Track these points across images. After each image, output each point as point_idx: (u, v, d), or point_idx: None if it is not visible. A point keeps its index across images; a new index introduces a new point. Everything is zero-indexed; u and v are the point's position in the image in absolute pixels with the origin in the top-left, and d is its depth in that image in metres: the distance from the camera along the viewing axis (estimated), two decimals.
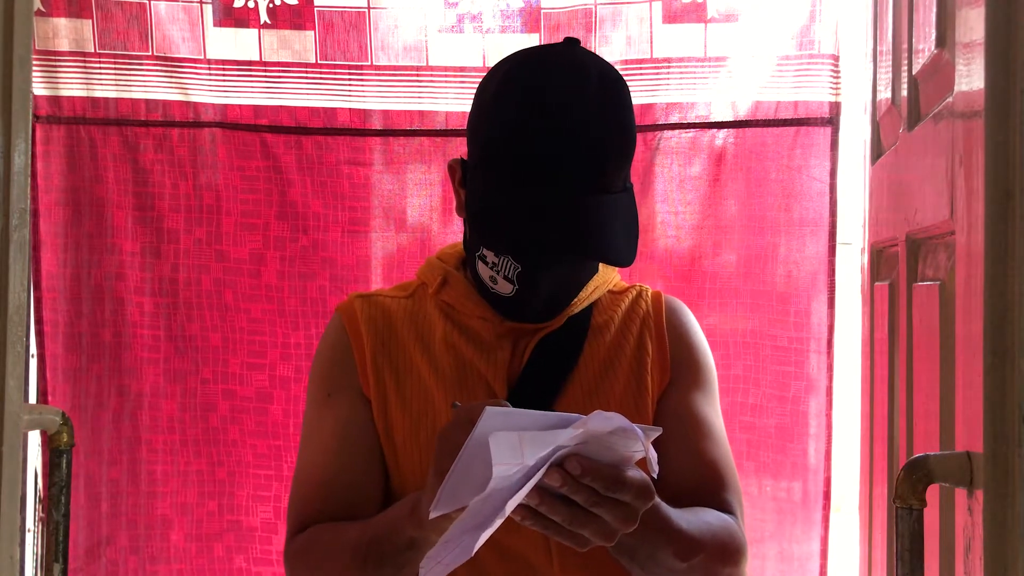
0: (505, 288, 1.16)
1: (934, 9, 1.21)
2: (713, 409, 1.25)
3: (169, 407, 2.34)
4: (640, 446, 0.92)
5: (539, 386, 1.20)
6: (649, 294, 1.30)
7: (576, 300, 1.23)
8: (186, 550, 2.35)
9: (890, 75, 1.55)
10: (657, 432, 0.95)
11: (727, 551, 1.14)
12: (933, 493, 1.01)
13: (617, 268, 1.29)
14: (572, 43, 1.18)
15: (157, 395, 2.34)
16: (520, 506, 0.93)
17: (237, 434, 2.35)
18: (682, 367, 1.24)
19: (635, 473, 0.95)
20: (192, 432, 2.35)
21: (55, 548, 1.06)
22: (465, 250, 1.25)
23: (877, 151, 1.73)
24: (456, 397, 1.19)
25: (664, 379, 1.24)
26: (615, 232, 1.12)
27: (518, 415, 0.91)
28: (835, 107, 2.23)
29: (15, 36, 0.84)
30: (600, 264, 1.27)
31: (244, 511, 2.35)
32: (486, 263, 1.16)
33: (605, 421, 0.89)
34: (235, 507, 2.36)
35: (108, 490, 2.34)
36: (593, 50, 2.28)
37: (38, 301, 2.31)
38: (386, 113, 2.33)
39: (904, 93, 1.43)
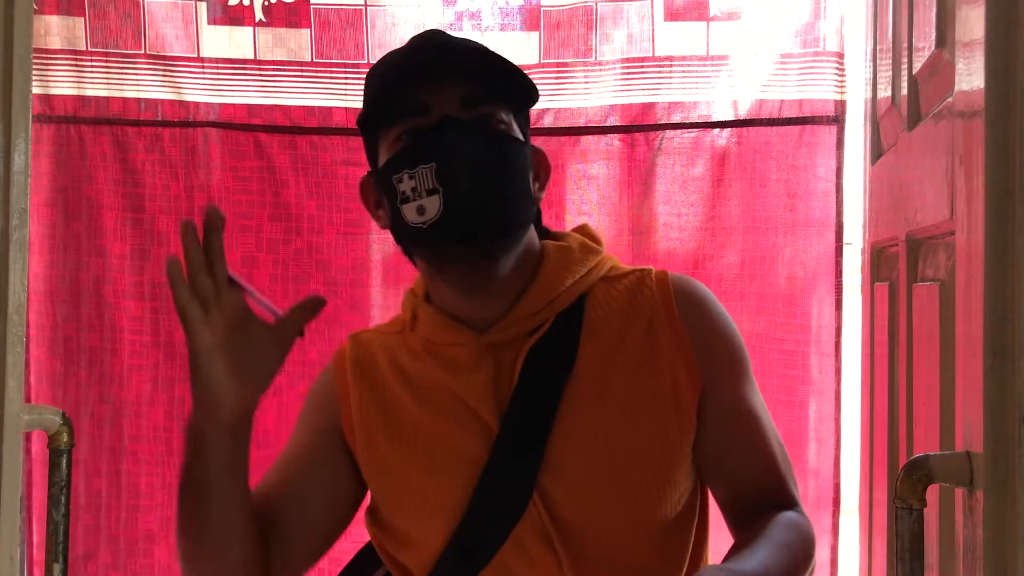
0: (433, 205, 1.07)
1: (934, 8, 1.23)
2: (756, 394, 1.20)
3: (155, 415, 2.33)
4: None
5: (533, 405, 1.13)
6: (654, 276, 1.20)
7: (556, 296, 1.15)
8: (171, 567, 2.34)
9: (890, 74, 1.57)
10: None
11: (807, 557, 1.15)
12: (933, 493, 1.03)
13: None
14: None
15: (143, 403, 2.34)
16: None
17: None
18: (715, 362, 1.16)
19: None
20: (179, 442, 2.32)
21: (55, 548, 1.08)
22: (401, 247, 1.19)
23: (877, 151, 1.75)
24: (446, 435, 1.16)
25: (694, 380, 1.15)
26: (492, 62, 1.12)
27: None
28: (840, 105, 2.24)
29: (15, 36, 0.86)
30: (579, 249, 1.20)
31: None
32: (407, 199, 1.09)
33: None
34: None
35: (90, 502, 2.33)
36: (594, 48, 2.30)
37: None
38: None
39: (904, 93, 1.44)
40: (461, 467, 1.15)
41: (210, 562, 1.13)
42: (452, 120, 1.09)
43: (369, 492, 1.25)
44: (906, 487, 0.97)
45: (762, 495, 1.18)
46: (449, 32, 1.19)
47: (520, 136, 1.15)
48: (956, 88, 1.05)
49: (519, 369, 1.14)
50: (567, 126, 2.29)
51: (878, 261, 1.76)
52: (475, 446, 1.15)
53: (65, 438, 1.11)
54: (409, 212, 1.09)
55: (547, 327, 1.16)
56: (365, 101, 1.17)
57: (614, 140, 2.30)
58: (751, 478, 1.18)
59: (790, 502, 1.20)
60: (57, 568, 1.05)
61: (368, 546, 1.32)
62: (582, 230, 1.26)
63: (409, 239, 1.13)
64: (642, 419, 1.14)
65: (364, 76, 1.23)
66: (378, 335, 1.28)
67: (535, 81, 1.17)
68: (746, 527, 1.14)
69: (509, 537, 1.13)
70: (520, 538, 1.13)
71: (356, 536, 1.31)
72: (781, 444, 1.22)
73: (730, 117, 2.28)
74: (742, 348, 1.21)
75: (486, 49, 1.15)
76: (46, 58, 2.32)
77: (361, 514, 1.27)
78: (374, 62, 1.27)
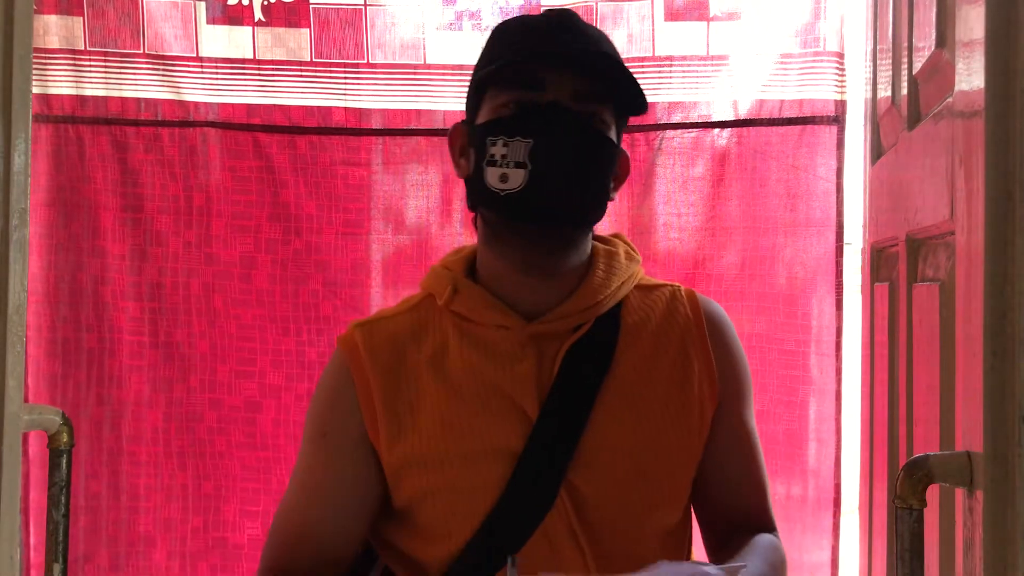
0: (517, 178, 1.11)
1: (934, 8, 1.24)
2: (753, 420, 1.28)
3: (153, 417, 2.33)
4: None
5: (572, 398, 1.15)
6: (684, 295, 1.27)
7: (602, 298, 1.19)
8: (169, 569, 2.34)
9: (890, 74, 1.57)
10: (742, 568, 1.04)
11: None
12: (933, 493, 1.03)
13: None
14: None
15: (141, 404, 2.33)
16: None
17: (224, 446, 2.34)
18: (730, 382, 1.24)
19: None
20: (177, 443, 2.34)
21: (55, 548, 1.08)
22: (470, 201, 1.22)
23: (877, 151, 1.76)
24: (481, 424, 1.16)
25: (712, 397, 1.22)
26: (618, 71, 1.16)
27: None
28: (840, 105, 2.25)
29: (15, 36, 0.86)
30: (624, 256, 1.25)
31: (231, 528, 2.34)
32: (495, 163, 1.13)
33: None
34: (221, 523, 2.34)
35: (88, 504, 2.33)
36: None
37: None
38: (382, 112, 2.35)
39: (904, 93, 1.45)
40: (497, 458, 1.16)
41: None
42: (561, 107, 1.13)
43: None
44: (906, 487, 0.98)
45: (746, 515, 1.24)
46: (575, 20, 1.21)
47: (614, 139, 1.19)
48: (956, 88, 1.06)
49: (559, 363, 1.17)
50: None
51: (878, 261, 1.76)
52: (512, 437, 1.16)
53: (65, 438, 1.11)
54: (492, 175, 1.13)
55: (588, 326, 1.19)
56: (486, 57, 1.20)
57: None
58: (740, 497, 1.24)
59: (769, 525, 1.26)
60: (57, 568, 1.05)
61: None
62: (620, 238, 1.31)
63: (483, 199, 1.17)
64: (671, 427, 1.19)
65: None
66: (390, 318, 1.25)
67: None
68: (731, 543, 1.19)
69: (537, 532, 1.15)
70: (547, 532, 1.15)
71: None
72: (765, 471, 1.29)
73: (730, 117, 2.29)
74: (749, 374, 1.28)
75: (612, 51, 1.20)
76: (44, 58, 2.33)
77: None
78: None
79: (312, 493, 1.20)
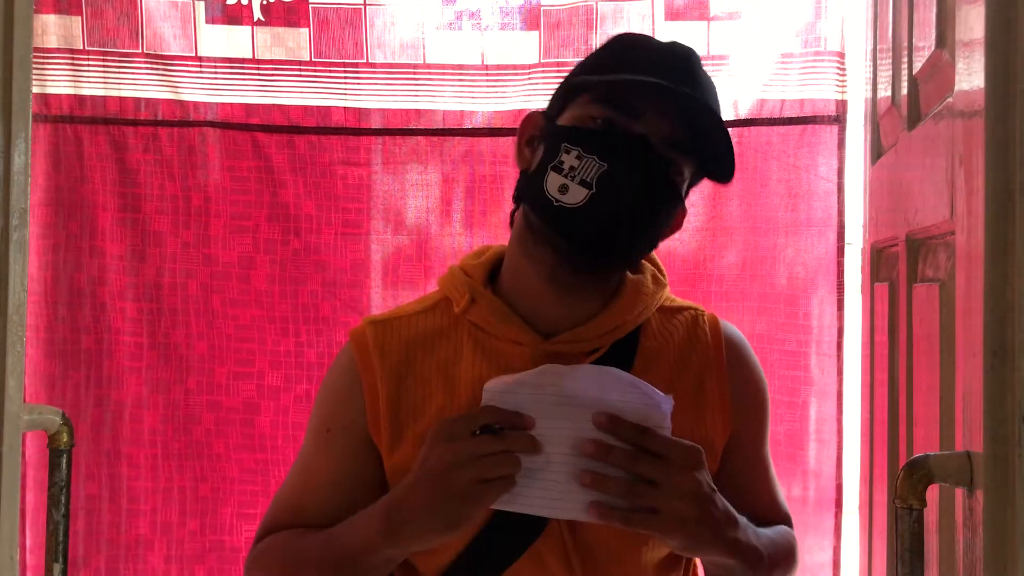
0: (577, 196, 1.08)
1: (934, 8, 1.24)
2: (768, 444, 1.28)
3: (151, 419, 2.34)
4: (667, 422, 1.05)
5: None
6: (707, 320, 1.24)
7: (622, 322, 1.17)
8: (166, 572, 2.34)
9: (890, 74, 1.58)
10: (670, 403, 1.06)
11: (790, 564, 1.22)
12: (933, 493, 1.04)
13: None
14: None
15: (139, 406, 2.34)
16: (592, 503, 1.04)
17: (222, 448, 2.34)
18: (747, 412, 1.23)
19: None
20: (175, 445, 2.34)
21: (55, 548, 1.09)
22: (517, 194, 1.17)
23: (877, 151, 1.76)
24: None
25: (726, 427, 1.20)
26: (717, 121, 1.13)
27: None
28: (841, 105, 2.25)
29: (15, 36, 0.87)
30: (651, 281, 1.23)
31: (228, 530, 2.35)
32: (561, 171, 1.09)
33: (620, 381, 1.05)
34: (219, 526, 2.35)
35: (84, 507, 2.33)
36: (594, 48, 2.31)
37: None
38: (382, 112, 2.35)
39: (904, 92, 1.46)
40: None
41: None
42: (649, 144, 1.09)
43: None
44: (906, 487, 0.99)
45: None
46: (695, 63, 1.17)
47: (683, 193, 1.16)
48: (956, 88, 1.07)
49: None
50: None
51: (878, 261, 1.77)
52: None
53: (65, 438, 1.12)
54: (553, 182, 1.09)
55: (604, 350, 1.17)
56: (594, 62, 1.16)
57: None
58: (754, 521, 1.21)
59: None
60: (57, 568, 1.06)
61: None
62: (651, 259, 1.28)
63: (534, 200, 1.12)
64: None
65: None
66: (405, 319, 1.22)
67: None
68: None
69: (529, 551, 1.14)
70: (540, 553, 1.14)
71: None
72: (782, 497, 1.30)
73: (731, 117, 2.29)
74: (768, 402, 1.27)
75: (717, 107, 1.16)
76: (43, 57, 2.33)
77: None
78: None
79: (312, 480, 1.21)
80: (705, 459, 1.08)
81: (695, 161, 1.14)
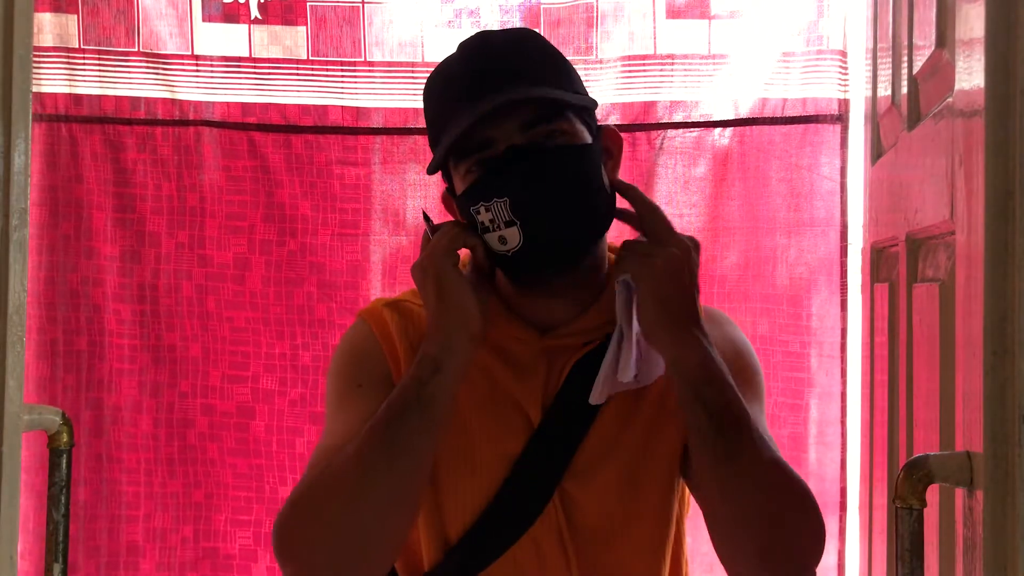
0: (514, 237, 1.13)
1: (934, 7, 1.26)
2: (764, 416, 1.28)
3: (144, 422, 2.34)
4: None
5: (573, 411, 1.19)
6: None
7: (613, 315, 1.20)
8: None
9: (890, 74, 1.59)
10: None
11: (803, 497, 1.13)
12: (933, 493, 1.05)
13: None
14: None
15: (131, 409, 2.34)
16: None
17: (216, 452, 2.34)
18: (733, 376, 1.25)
19: None
20: (167, 450, 2.34)
21: (55, 548, 1.10)
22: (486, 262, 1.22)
23: (877, 151, 1.77)
24: (488, 419, 1.19)
25: None
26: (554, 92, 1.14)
27: None
28: (844, 104, 2.27)
29: (15, 36, 0.88)
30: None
31: (222, 537, 2.34)
32: (490, 228, 1.14)
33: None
34: (212, 533, 2.34)
35: (74, 512, 2.31)
36: (594, 46, 2.32)
37: None
38: (380, 111, 2.36)
39: (904, 92, 1.47)
40: (498, 464, 1.19)
41: (399, 506, 1.10)
42: (518, 150, 1.13)
43: None
44: (906, 487, 1.00)
45: None
46: (491, 51, 1.18)
47: (585, 134, 1.18)
48: (956, 88, 1.08)
49: (565, 375, 1.20)
50: None
51: (878, 261, 1.78)
52: (515, 444, 1.19)
53: (65, 438, 1.13)
54: (492, 241, 1.15)
55: (598, 342, 1.21)
56: (431, 120, 1.20)
57: None
58: None
59: None
60: (57, 568, 1.07)
61: None
62: None
63: (498, 264, 1.18)
64: (661, 430, 1.22)
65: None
66: (415, 308, 1.25)
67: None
68: None
69: (525, 536, 1.18)
70: (536, 538, 1.18)
71: None
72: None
73: (732, 116, 2.30)
74: (759, 377, 1.28)
75: (531, 61, 1.17)
76: (38, 56, 2.33)
77: None
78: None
79: (353, 428, 1.15)
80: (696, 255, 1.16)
81: (566, 110, 1.16)
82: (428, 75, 1.23)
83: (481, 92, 1.14)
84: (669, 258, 1.13)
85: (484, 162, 1.14)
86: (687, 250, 1.15)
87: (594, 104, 1.21)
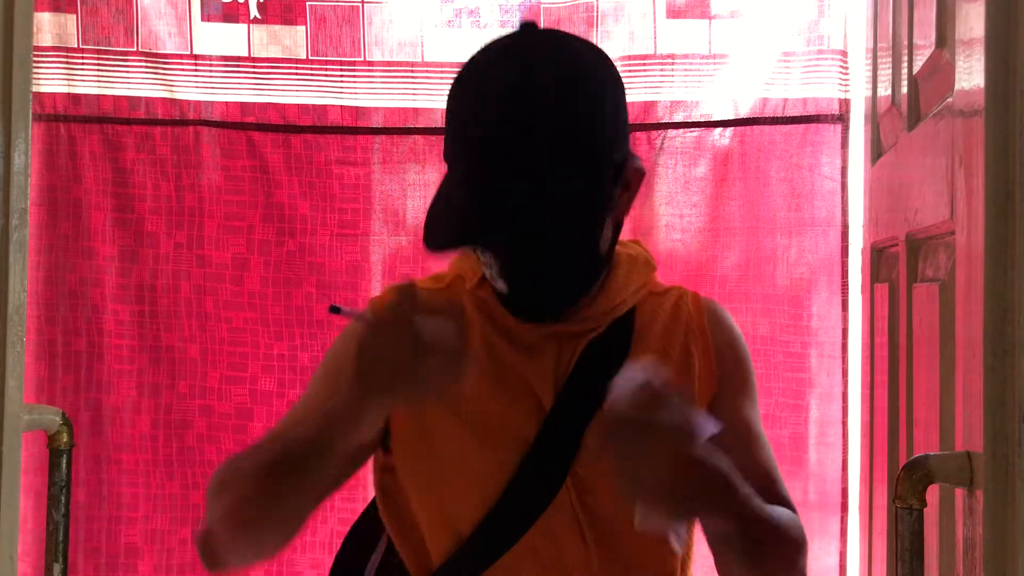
0: (502, 286, 1.17)
1: (934, 7, 1.26)
2: (757, 413, 1.30)
3: (142, 423, 2.33)
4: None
5: (585, 394, 1.20)
6: (689, 298, 1.31)
7: (620, 301, 1.24)
8: None
9: (890, 74, 1.59)
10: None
11: (799, 545, 1.24)
12: (933, 493, 1.05)
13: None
14: (526, 28, 1.22)
15: (129, 410, 2.34)
16: None
17: (214, 454, 2.34)
18: (729, 375, 1.27)
19: None
20: (165, 451, 2.34)
21: (55, 548, 1.10)
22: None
23: (877, 151, 1.78)
24: (497, 407, 1.20)
25: (711, 389, 1.26)
26: (525, 213, 1.13)
27: None
28: (844, 104, 2.27)
29: (15, 36, 0.88)
30: (642, 263, 1.30)
31: None
32: (491, 277, 1.18)
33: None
34: None
35: (72, 514, 2.30)
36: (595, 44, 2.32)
37: None
38: (380, 111, 2.36)
39: (904, 92, 1.47)
40: (511, 445, 1.20)
41: (277, 532, 1.16)
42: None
43: (382, 454, 1.25)
44: (906, 487, 1.00)
45: None
46: (526, 58, 1.17)
47: (590, 169, 1.16)
48: (956, 87, 1.08)
49: (576, 359, 1.22)
50: None
51: (878, 261, 1.78)
52: (526, 426, 1.20)
53: (65, 438, 1.13)
54: (493, 281, 1.18)
55: (604, 328, 1.23)
56: (445, 139, 1.20)
57: None
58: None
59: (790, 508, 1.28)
60: (57, 568, 1.07)
61: (371, 510, 1.32)
62: (639, 245, 1.35)
63: (504, 305, 1.21)
64: None
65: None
66: (425, 292, 1.23)
67: None
68: None
69: (541, 523, 1.18)
70: (551, 524, 1.19)
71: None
72: (776, 464, 1.29)
73: (733, 116, 2.30)
74: (751, 370, 1.31)
75: (547, 125, 1.13)
76: (37, 55, 2.33)
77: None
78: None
79: (312, 408, 1.19)
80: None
81: (564, 154, 1.13)
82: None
83: (481, 164, 1.12)
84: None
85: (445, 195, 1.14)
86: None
87: (610, 151, 1.18)
